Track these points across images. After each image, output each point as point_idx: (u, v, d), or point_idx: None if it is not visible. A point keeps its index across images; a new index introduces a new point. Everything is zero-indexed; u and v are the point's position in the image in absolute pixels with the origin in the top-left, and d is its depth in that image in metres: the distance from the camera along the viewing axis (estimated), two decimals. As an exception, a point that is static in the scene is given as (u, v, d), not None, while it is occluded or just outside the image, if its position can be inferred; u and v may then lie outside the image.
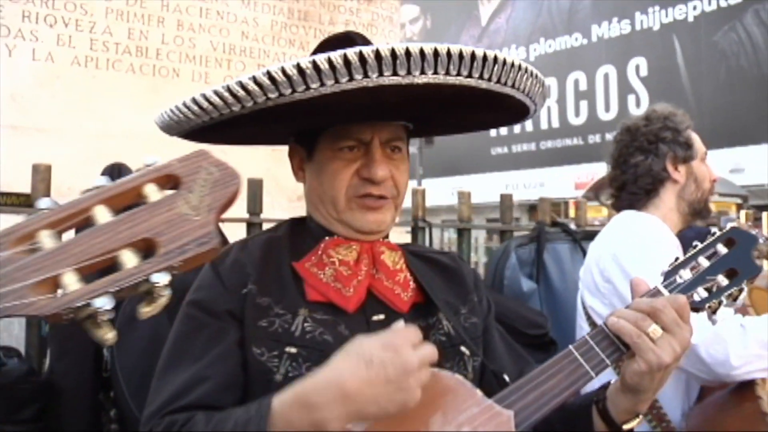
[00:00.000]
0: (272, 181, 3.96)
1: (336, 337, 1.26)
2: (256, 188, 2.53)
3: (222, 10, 4.87)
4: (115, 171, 2.06)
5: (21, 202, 2.08)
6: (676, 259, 1.36)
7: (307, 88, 1.13)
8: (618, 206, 2.35)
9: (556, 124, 20.96)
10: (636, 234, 2.10)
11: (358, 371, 1.00)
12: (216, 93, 1.19)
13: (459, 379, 1.19)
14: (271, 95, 1.15)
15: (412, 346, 1.03)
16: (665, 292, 1.29)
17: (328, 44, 1.41)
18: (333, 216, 1.38)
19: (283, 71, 1.13)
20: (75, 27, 4.48)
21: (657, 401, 2.00)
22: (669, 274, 1.33)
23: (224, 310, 1.28)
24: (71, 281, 0.66)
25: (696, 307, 1.30)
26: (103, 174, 2.05)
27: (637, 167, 2.24)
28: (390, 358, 1.00)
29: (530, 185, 20.30)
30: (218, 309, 1.28)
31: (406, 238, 4.28)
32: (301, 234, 1.43)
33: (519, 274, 2.57)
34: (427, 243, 2.67)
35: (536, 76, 1.31)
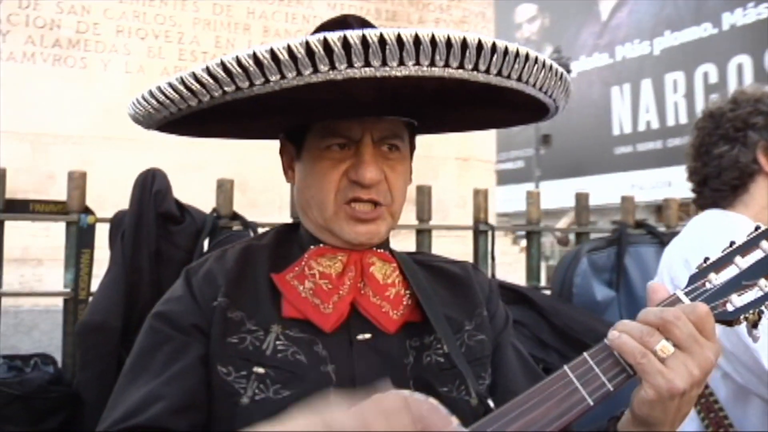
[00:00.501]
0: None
1: (311, 357, 1.13)
2: (424, 195, 2.42)
3: (308, 14, 4.85)
4: (149, 177, 2.00)
5: (58, 209, 2.04)
6: (706, 259, 1.09)
7: (266, 81, 0.98)
8: (700, 204, 2.02)
9: (684, 120, 19.93)
10: (712, 236, 1.78)
11: None
12: (170, 85, 1.05)
13: (432, 404, 0.98)
14: (228, 88, 1.00)
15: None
16: (685, 300, 1.03)
17: (321, 29, 1.24)
18: (320, 223, 1.23)
19: (238, 62, 0.98)
20: (164, 38, 4.60)
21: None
22: (695, 278, 1.07)
23: (190, 323, 1.16)
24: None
25: (727, 319, 1.04)
26: (137, 180, 2.00)
27: (721, 158, 1.90)
28: None
29: (657, 185, 19.29)
30: (184, 322, 1.16)
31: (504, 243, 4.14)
32: (288, 242, 1.29)
33: (592, 281, 2.28)
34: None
35: (551, 67, 1.10)
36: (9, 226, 2.03)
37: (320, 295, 1.18)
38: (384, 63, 0.96)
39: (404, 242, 2.18)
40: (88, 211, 2.05)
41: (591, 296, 2.27)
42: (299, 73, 0.97)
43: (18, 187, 2.54)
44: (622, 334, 0.98)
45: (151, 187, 1.99)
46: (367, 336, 1.17)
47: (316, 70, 0.96)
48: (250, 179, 4.11)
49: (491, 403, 1.11)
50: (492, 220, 4.93)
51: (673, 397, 0.95)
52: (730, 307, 1.04)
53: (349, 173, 1.18)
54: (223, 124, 1.25)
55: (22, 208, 2.05)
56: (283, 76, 0.98)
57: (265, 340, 1.14)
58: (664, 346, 0.95)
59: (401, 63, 0.97)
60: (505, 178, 17.57)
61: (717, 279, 1.05)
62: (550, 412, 0.96)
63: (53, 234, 2.16)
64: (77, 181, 2.03)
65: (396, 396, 0.88)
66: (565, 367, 1.00)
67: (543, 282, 2.61)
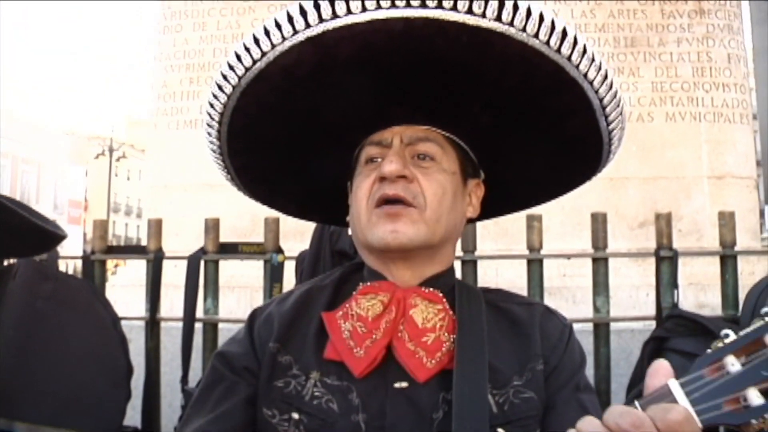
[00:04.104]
0: (612, 209, 3.89)
1: (342, 406, 1.11)
2: (599, 222, 2.38)
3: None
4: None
5: (258, 250, 2.36)
6: (725, 335, 0.81)
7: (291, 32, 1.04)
8: None
9: None
10: None
11: None
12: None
13: None
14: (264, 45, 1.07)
15: None
16: (678, 394, 0.79)
17: None
18: (362, 239, 1.21)
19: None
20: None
21: None
22: (703, 362, 0.80)
23: (243, 366, 1.20)
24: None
25: (735, 424, 0.76)
26: (317, 224, 2.23)
27: None
28: None
29: None
30: (237, 364, 1.21)
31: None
32: (350, 281, 1.27)
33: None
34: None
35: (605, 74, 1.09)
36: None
37: (355, 337, 1.15)
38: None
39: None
40: (279, 250, 2.34)
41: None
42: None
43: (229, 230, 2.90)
44: None
45: (329, 227, 2.21)
46: (404, 384, 1.12)
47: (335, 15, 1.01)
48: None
49: None
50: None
51: None
52: (742, 406, 0.76)
53: (377, 176, 1.17)
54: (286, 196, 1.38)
55: (232, 250, 2.41)
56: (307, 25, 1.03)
57: (306, 385, 1.14)
58: None
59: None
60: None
61: (734, 365, 0.78)
62: None
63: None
64: (271, 225, 2.34)
65: None
66: None
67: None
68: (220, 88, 1.14)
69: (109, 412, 1.97)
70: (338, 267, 1.37)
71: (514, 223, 2.98)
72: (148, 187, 5.07)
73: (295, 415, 1.12)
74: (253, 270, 2.60)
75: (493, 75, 1.12)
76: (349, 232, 1.29)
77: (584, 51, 1.06)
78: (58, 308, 2.02)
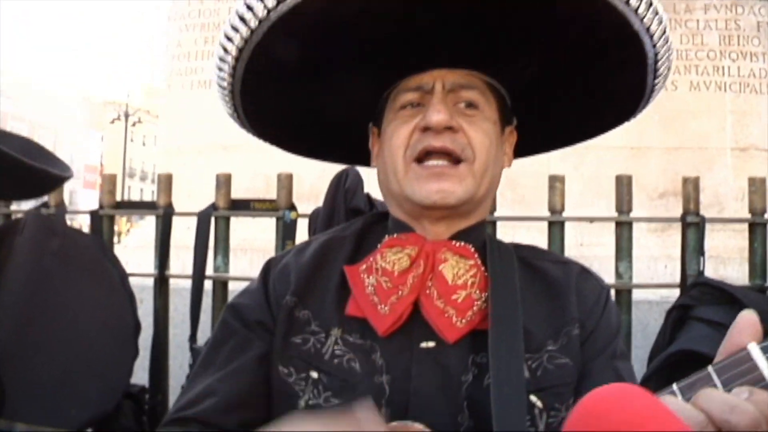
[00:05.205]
0: (632, 179, 3.81)
1: (365, 367, 1.04)
2: (623, 185, 2.28)
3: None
4: (343, 176, 2.16)
5: (270, 207, 2.31)
6: None
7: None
8: None
9: None
10: None
11: None
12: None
13: None
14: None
15: None
16: (759, 358, 0.67)
17: None
18: (396, 191, 1.13)
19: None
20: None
21: None
22: None
23: (255, 320, 1.13)
24: None
25: None
26: (333, 179, 2.18)
27: None
28: None
29: None
30: (250, 318, 1.14)
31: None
32: (374, 232, 1.20)
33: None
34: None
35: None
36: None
37: (379, 293, 1.07)
38: None
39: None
40: (293, 207, 2.29)
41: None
42: None
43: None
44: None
45: (344, 184, 2.15)
46: (431, 344, 1.05)
47: None
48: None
49: None
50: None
51: None
52: None
53: (419, 123, 1.09)
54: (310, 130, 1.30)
55: (244, 207, 2.36)
56: None
57: (326, 343, 1.08)
58: None
59: None
60: None
61: None
62: None
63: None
64: (284, 182, 2.29)
65: None
66: None
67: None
68: (242, 19, 1.04)
69: (116, 371, 1.94)
70: (358, 217, 1.30)
71: (534, 190, 2.93)
72: (161, 149, 5.03)
73: (314, 374, 1.06)
74: (266, 233, 2.55)
75: (556, 25, 1.06)
76: (365, 188, 1.22)
77: (650, 3, 1.01)
78: (65, 265, 1.99)
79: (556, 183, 2.23)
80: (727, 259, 3.82)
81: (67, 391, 1.79)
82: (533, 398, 1.01)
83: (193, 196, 3.18)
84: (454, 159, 1.08)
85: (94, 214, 2.42)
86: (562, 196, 2.23)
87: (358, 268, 1.12)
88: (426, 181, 1.07)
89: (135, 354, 2.00)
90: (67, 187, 2.35)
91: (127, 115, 39.71)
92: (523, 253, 1.17)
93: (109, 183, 2.55)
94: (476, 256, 1.10)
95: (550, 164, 3.00)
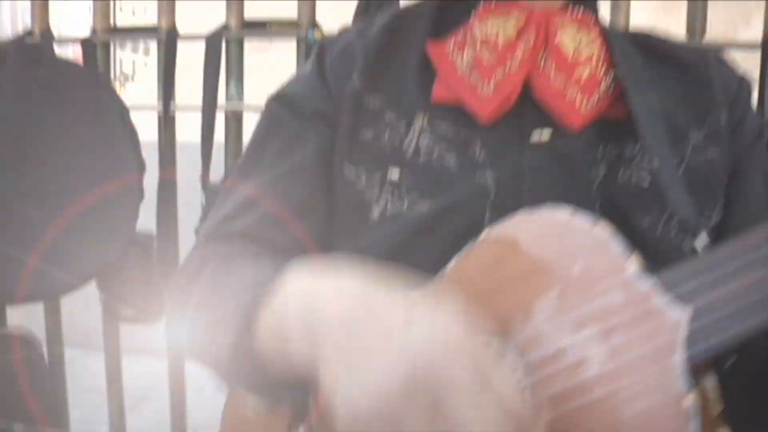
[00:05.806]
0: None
1: (462, 162, 0.84)
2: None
3: None
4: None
5: (289, 26, 2.01)
6: None
7: None
8: None
9: None
10: None
11: (385, 371, 0.51)
12: None
13: (602, 234, 0.67)
14: None
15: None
16: None
17: None
18: None
19: None
20: None
21: None
22: None
23: (313, 109, 0.92)
24: None
25: None
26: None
27: None
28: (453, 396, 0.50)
29: None
30: (306, 107, 0.92)
31: None
32: (459, 4, 0.96)
33: None
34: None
35: None
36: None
37: (480, 68, 0.86)
38: None
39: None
40: (316, 25, 1.97)
41: None
42: None
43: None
44: None
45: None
46: (546, 135, 0.85)
47: None
48: None
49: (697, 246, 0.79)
50: None
51: None
52: None
53: None
54: None
55: (259, 27, 2.07)
56: None
57: (407, 136, 0.87)
58: None
59: None
60: None
61: None
62: None
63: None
64: (306, -3, 1.95)
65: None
66: None
67: None
68: None
69: (118, 215, 1.81)
70: None
71: None
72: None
73: (394, 175, 0.85)
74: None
75: None
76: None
77: None
78: (56, 97, 1.83)
79: None
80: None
81: (65, 240, 1.70)
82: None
83: (199, 16, 2.88)
84: None
85: (85, 43, 2.11)
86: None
87: (446, 43, 0.90)
88: None
89: (140, 197, 1.85)
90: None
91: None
92: (639, 38, 0.96)
93: (102, 5, 2.22)
94: (598, 26, 0.90)
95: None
